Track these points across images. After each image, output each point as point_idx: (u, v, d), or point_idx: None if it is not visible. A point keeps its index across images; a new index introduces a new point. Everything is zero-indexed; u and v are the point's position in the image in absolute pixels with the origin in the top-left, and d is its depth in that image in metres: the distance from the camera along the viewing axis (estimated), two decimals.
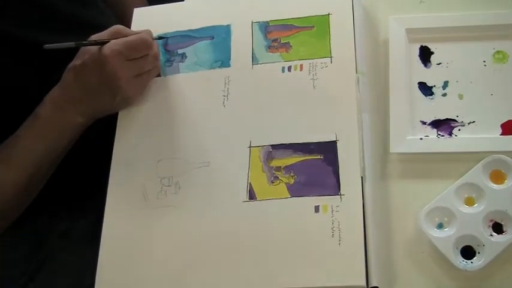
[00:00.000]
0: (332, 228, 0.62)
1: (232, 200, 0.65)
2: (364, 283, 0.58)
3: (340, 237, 0.61)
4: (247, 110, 0.70)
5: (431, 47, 0.70)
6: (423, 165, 0.65)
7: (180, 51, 0.75)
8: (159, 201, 0.67)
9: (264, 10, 0.75)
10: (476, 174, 0.61)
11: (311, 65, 0.71)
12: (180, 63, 0.75)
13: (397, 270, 0.61)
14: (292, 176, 0.66)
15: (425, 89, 0.69)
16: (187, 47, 0.75)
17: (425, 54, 0.70)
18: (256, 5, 0.76)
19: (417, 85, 0.69)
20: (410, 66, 0.69)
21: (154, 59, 0.69)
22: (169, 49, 0.76)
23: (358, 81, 0.68)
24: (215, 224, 0.64)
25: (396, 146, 0.65)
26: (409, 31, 0.70)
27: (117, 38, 0.66)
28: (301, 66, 0.71)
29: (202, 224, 0.65)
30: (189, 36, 0.76)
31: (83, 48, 0.67)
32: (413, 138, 0.65)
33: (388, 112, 0.67)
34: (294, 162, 0.66)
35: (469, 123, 0.66)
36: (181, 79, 0.74)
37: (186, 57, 0.75)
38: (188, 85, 0.73)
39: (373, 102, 0.69)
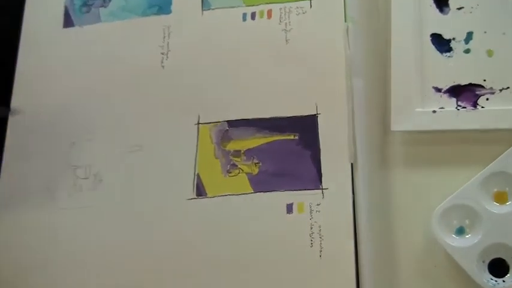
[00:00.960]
0: (311, 235, 0.62)
1: (173, 197, 0.65)
2: None
3: (321, 247, 0.61)
4: (195, 72, 0.69)
5: None
6: (437, 148, 0.64)
7: None
8: (72, 200, 0.67)
9: None
10: (510, 160, 0.60)
11: (283, 10, 0.69)
12: (101, 9, 0.74)
13: None
14: (255, 164, 0.65)
15: (441, 43, 0.66)
16: None
17: None
18: None
19: (430, 38, 0.66)
20: (420, 11, 0.67)
21: None
22: None
23: (347, 32, 0.66)
24: (149, 232, 0.65)
25: (399, 122, 0.64)
26: None
27: None
28: (269, 12, 0.69)
29: (131, 232, 0.65)
30: None
31: None
32: (423, 111, 0.64)
33: (389, 76, 0.65)
34: (258, 144, 0.66)
35: (500, 91, 0.64)
36: (102, 30, 0.73)
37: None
38: (113, 39, 0.72)
39: (368, 62, 0.67)
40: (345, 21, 0.67)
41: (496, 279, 0.58)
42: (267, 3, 0.70)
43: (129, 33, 0.72)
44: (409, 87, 0.65)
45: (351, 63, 0.66)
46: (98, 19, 0.73)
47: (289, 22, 0.69)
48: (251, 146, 0.66)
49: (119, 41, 0.72)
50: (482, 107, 0.64)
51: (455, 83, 0.65)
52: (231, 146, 0.66)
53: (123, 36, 0.72)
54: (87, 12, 0.74)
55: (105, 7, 0.74)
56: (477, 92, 0.64)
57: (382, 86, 0.67)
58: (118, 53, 0.72)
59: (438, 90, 0.65)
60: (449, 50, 0.66)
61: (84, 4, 0.74)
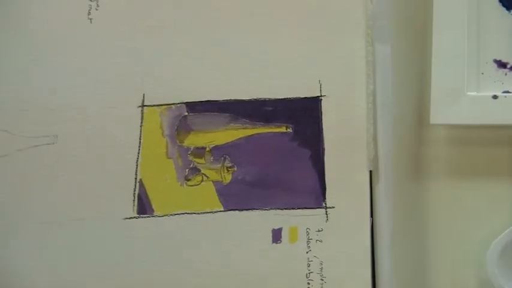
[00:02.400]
0: (307, 276, 0.63)
1: (102, 215, 0.65)
2: None
3: None
4: (137, 28, 0.68)
5: None
6: (496, 150, 0.65)
7: None
8: None
9: None
10: None
11: None
12: None
13: None
14: (227, 168, 0.65)
15: None
16: None
17: None
18: None
19: None
20: None
21: None
22: None
23: None
24: (72, 267, 0.65)
25: (443, 112, 0.63)
26: None
27: None
28: None
29: (44, 267, 0.66)
30: None
31: None
32: (478, 95, 0.63)
33: (429, 43, 0.64)
34: (232, 139, 0.66)
35: None
36: None
37: None
38: None
39: (398, 20, 0.67)
40: None
41: None
42: None
43: None
44: (458, 61, 0.64)
45: (372, 20, 0.65)
46: None
47: None
48: (221, 142, 0.66)
49: None
50: None
51: None
52: (191, 141, 0.66)
53: None
54: None
55: None
56: None
57: (417, 57, 0.67)
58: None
59: (502, 65, 0.65)
60: None
61: None
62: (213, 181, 0.64)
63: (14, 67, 0.69)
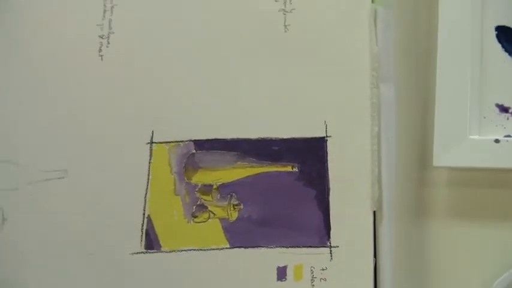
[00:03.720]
0: None
1: (109, 250, 0.65)
2: None
3: None
4: (149, 66, 0.69)
5: None
6: (498, 192, 0.65)
7: None
8: None
9: None
10: None
11: None
12: None
13: None
14: (234, 206, 0.66)
15: (511, 40, 0.66)
16: None
17: None
18: None
19: (494, 32, 0.66)
20: None
21: None
22: None
23: (375, 20, 0.67)
24: None
25: (446, 155, 0.63)
26: None
27: None
28: None
29: None
30: None
31: None
32: (481, 139, 0.64)
33: (433, 85, 0.64)
34: (239, 177, 0.66)
35: None
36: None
37: None
38: (30, 11, 0.71)
39: (403, 63, 0.68)
40: (373, 1, 0.67)
41: None
42: None
43: (52, 4, 0.71)
44: (461, 104, 0.64)
45: (377, 63, 0.66)
46: None
47: (290, 0, 0.69)
48: (228, 180, 0.66)
49: (35, 14, 0.71)
50: None
51: None
52: (199, 178, 0.66)
53: (42, 7, 0.71)
54: None
55: None
56: None
57: (421, 100, 0.67)
58: (37, 33, 0.70)
59: (504, 109, 0.65)
60: None
61: None
62: (219, 218, 0.64)
63: (26, 102, 0.69)
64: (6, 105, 0.70)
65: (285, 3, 0.68)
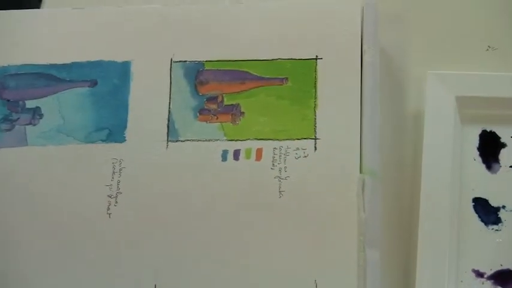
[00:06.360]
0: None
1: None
2: None
3: None
4: (153, 226, 0.70)
5: (502, 133, 0.71)
6: None
7: (29, 103, 0.74)
8: None
9: (196, 40, 0.75)
10: None
11: (277, 151, 0.71)
12: (28, 127, 0.74)
13: None
14: None
15: (487, 211, 0.68)
16: (43, 96, 0.74)
17: (489, 147, 0.71)
18: (182, 28, 0.76)
19: (472, 204, 0.69)
20: (461, 166, 0.70)
21: None
22: (8, 98, 0.75)
23: (362, 188, 0.67)
24: None
25: None
26: (463, 101, 0.71)
27: None
28: (259, 151, 0.71)
29: None
30: (48, 77, 0.75)
31: None
32: None
33: (415, 251, 0.66)
34: None
35: None
36: (29, 157, 0.73)
37: (40, 116, 0.74)
38: (43, 170, 0.72)
39: (389, 229, 0.69)
40: (360, 171, 0.68)
41: None
42: (256, 138, 0.71)
43: (64, 165, 0.72)
44: (440, 269, 0.65)
45: (364, 229, 0.66)
46: (23, 141, 0.73)
47: (285, 167, 0.70)
48: None
49: (49, 175, 0.72)
50: None
51: (504, 267, 0.66)
52: None
53: (56, 169, 0.72)
54: (9, 130, 0.73)
55: (33, 125, 0.73)
56: None
57: (404, 264, 0.69)
58: (46, 192, 0.71)
59: (480, 274, 0.66)
60: (497, 221, 0.68)
61: (5, 119, 0.74)
62: None
63: (34, 254, 0.70)
64: (14, 259, 0.70)
65: (280, 170, 0.69)
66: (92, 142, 0.72)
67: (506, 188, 0.69)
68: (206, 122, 0.72)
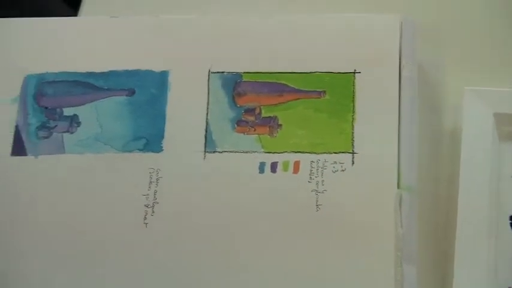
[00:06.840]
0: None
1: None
2: None
3: None
4: (191, 237, 0.70)
5: None
6: None
7: (67, 111, 0.74)
8: None
9: (235, 52, 0.75)
10: None
11: (315, 164, 0.70)
12: (65, 135, 0.74)
13: None
14: None
15: None
16: (81, 105, 0.74)
17: None
18: (220, 39, 0.76)
19: (509, 221, 0.69)
20: (498, 183, 0.69)
21: None
22: (46, 105, 0.75)
23: (400, 203, 0.67)
24: None
25: None
26: (501, 118, 0.70)
27: None
28: (297, 164, 0.71)
29: None
30: (85, 85, 0.75)
31: None
32: None
33: (452, 267, 0.66)
34: None
35: None
36: (66, 165, 0.73)
37: (78, 124, 0.74)
38: (79, 179, 0.72)
39: (427, 244, 0.69)
40: (398, 187, 0.68)
41: None
42: (294, 151, 0.71)
43: (101, 174, 0.72)
44: (477, 286, 0.66)
45: (401, 245, 0.66)
46: (60, 149, 0.73)
47: (322, 181, 0.70)
48: None
49: (86, 183, 0.72)
50: None
51: None
52: None
53: (94, 177, 0.72)
54: (46, 138, 0.73)
55: (71, 133, 0.73)
56: None
57: (440, 280, 0.69)
58: (83, 200, 0.72)
59: None
60: None
61: (43, 126, 0.74)
62: None
63: (71, 267, 0.70)
64: (52, 269, 0.70)
65: (317, 184, 0.69)
66: (129, 151, 0.73)
67: None
68: (244, 133, 0.72)
